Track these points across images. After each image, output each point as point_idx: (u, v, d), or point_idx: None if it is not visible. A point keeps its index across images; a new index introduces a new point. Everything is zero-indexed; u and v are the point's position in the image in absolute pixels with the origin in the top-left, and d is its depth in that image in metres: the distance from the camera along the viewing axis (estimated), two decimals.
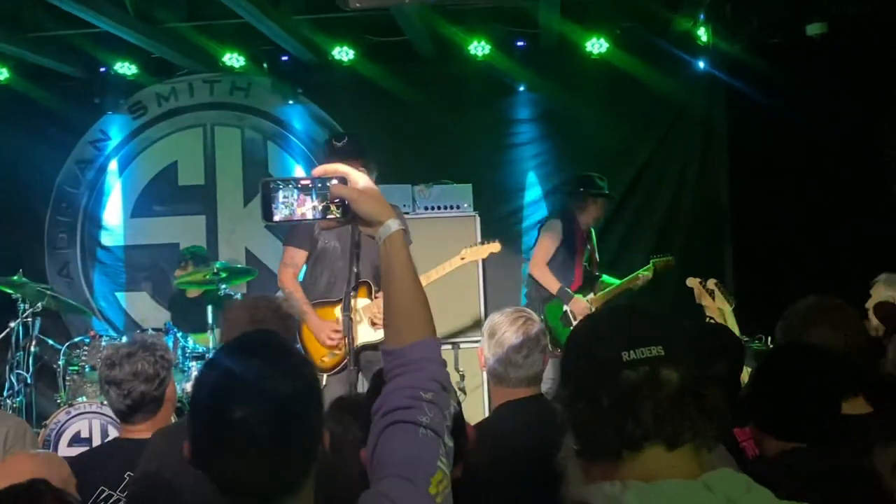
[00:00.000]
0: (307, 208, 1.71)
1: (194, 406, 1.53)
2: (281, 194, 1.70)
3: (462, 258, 5.26)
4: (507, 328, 2.91)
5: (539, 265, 6.25)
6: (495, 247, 5.32)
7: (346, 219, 1.72)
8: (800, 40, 6.47)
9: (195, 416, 1.52)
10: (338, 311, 4.82)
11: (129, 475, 2.71)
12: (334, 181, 1.71)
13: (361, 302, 4.90)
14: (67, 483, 2.20)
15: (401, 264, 1.70)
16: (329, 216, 1.72)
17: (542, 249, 6.27)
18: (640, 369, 1.36)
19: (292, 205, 1.71)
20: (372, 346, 4.81)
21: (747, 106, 6.88)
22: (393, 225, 1.70)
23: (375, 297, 4.92)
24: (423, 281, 5.03)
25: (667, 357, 1.37)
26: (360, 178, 1.72)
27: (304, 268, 5.13)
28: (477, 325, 6.53)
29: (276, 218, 1.71)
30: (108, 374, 2.91)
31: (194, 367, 5.84)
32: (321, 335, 4.83)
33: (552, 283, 6.19)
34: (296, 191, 1.71)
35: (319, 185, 1.71)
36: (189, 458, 1.51)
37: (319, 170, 1.75)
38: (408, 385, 1.63)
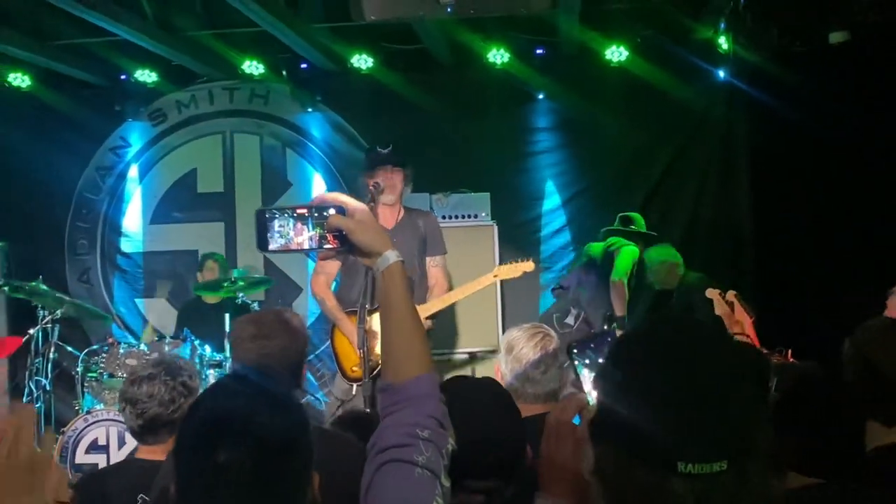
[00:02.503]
0: (304, 238, 1.68)
1: (179, 448, 1.48)
2: (276, 223, 1.68)
3: (495, 275, 5.16)
4: (524, 344, 2.90)
5: (624, 284, 6.18)
6: (529, 266, 5.19)
7: (344, 249, 1.69)
8: (821, 48, 6.41)
9: (180, 458, 1.47)
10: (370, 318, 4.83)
11: (141, 498, 2.67)
12: (332, 211, 1.68)
13: None
14: (60, 486, 2.16)
15: (398, 297, 1.66)
16: (326, 246, 1.69)
17: (626, 270, 6.22)
18: (693, 483, 1.17)
19: (288, 234, 1.68)
20: None
21: (768, 114, 6.81)
22: (391, 256, 1.66)
23: None
24: (455, 297, 4.99)
25: (729, 471, 1.17)
26: (357, 209, 1.69)
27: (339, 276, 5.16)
28: (494, 335, 6.50)
29: (272, 247, 1.69)
30: (126, 390, 2.89)
31: (212, 375, 5.86)
32: (354, 339, 4.84)
33: (623, 308, 6.15)
34: (291, 220, 1.68)
35: (316, 214, 1.68)
36: (175, 500, 1.45)
37: (317, 199, 1.72)
38: (404, 422, 1.58)
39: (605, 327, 6.12)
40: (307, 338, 2.81)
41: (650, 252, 6.47)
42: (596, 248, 6.49)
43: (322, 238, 1.68)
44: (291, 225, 1.68)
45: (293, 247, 1.69)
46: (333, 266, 5.08)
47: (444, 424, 1.62)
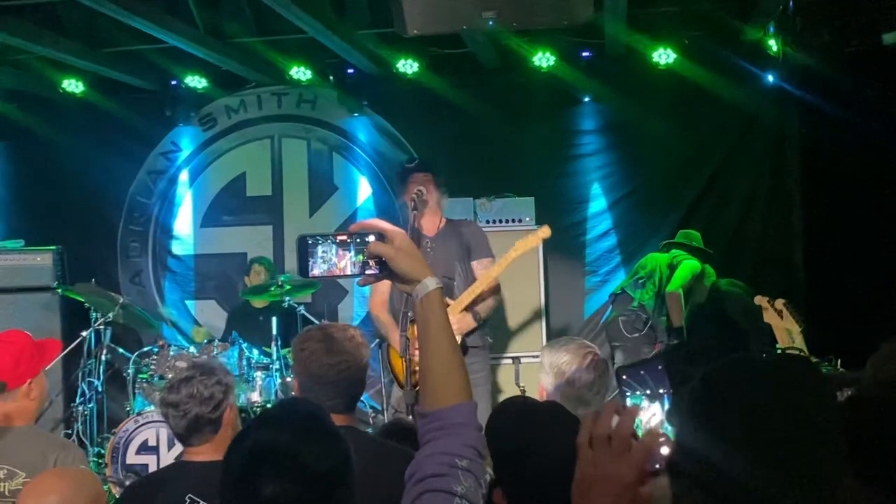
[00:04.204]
0: (346, 263, 1.71)
1: (224, 477, 1.49)
2: (320, 249, 1.71)
3: (516, 250, 5.11)
4: (577, 366, 2.87)
5: (681, 295, 6.24)
6: (544, 231, 5.17)
7: (384, 275, 1.71)
8: (875, 49, 6.27)
9: (225, 487, 1.48)
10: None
11: (189, 498, 2.74)
12: (371, 237, 1.71)
13: None
14: (97, 499, 2.21)
15: (437, 324, 1.66)
16: (368, 272, 1.71)
17: (685, 282, 6.28)
18: None
19: (331, 260, 1.71)
20: None
21: (820, 117, 6.68)
22: (430, 284, 1.66)
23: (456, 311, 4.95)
24: (482, 284, 4.99)
25: None
26: (396, 236, 1.70)
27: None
28: (538, 339, 6.48)
29: (315, 273, 1.72)
30: (167, 397, 2.96)
31: (259, 378, 5.93)
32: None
33: (680, 318, 6.19)
34: (334, 246, 1.71)
35: (358, 240, 1.71)
36: None
37: (357, 225, 1.74)
38: (443, 451, 1.57)
39: (668, 336, 6.14)
40: (369, 352, 2.87)
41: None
42: (661, 259, 6.49)
43: (364, 264, 1.71)
44: (334, 251, 1.71)
45: (336, 272, 1.72)
46: (386, 285, 5.12)
47: (481, 454, 1.61)
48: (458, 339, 4.90)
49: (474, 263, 5.19)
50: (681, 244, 6.56)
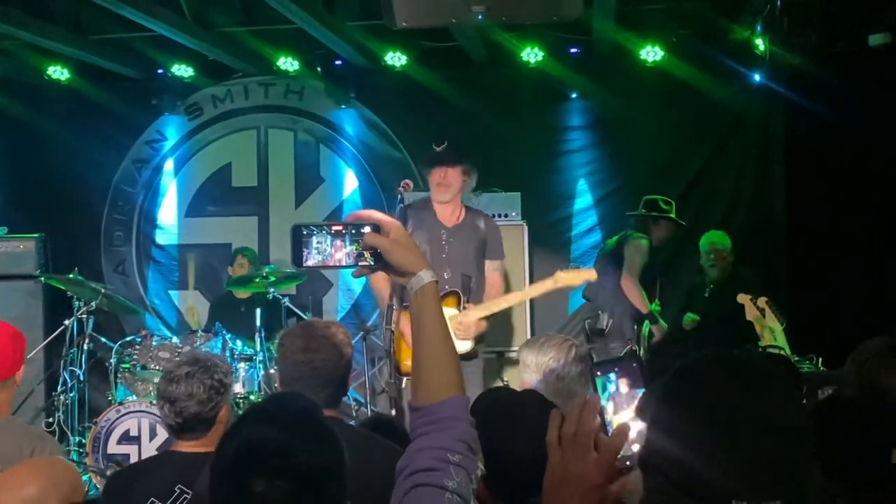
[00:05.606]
0: (341, 254, 1.69)
1: (215, 472, 1.48)
2: (315, 240, 1.68)
3: (556, 282, 4.84)
4: (563, 361, 2.90)
5: (634, 280, 6.01)
6: (591, 274, 4.96)
7: (379, 266, 1.69)
8: (861, 51, 6.32)
9: (215, 483, 1.47)
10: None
11: (178, 488, 2.73)
12: (367, 228, 1.68)
13: (448, 312, 4.71)
14: (74, 490, 2.21)
15: (431, 318, 1.64)
16: (362, 263, 1.69)
17: (634, 265, 6.06)
18: None
19: (326, 250, 1.68)
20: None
21: (806, 117, 6.73)
22: (425, 276, 1.65)
23: (464, 308, 4.81)
24: (513, 300, 4.87)
25: None
26: (392, 227, 1.68)
27: None
28: (523, 335, 6.48)
29: (308, 263, 1.69)
30: (165, 388, 2.91)
31: (242, 369, 5.93)
32: (407, 336, 4.81)
33: (643, 304, 6.01)
34: (329, 236, 1.68)
35: (353, 231, 1.69)
36: None
37: (352, 216, 1.72)
38: (435, 445, 1.55)
39: (634, 328, 6.07)
40: (352, 350, 2.84)
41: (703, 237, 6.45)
42: (609, 242, 6.40)
43: (359, 255, 1.69)
44: (329, 242, 1.68)
45: (331, 263, 1.70)
46: None
47: (473, 448, 1.60)
48: (471, 344, 4.80)
49: (487, 263, 5.05)
50: (639, 215, 6.36)
